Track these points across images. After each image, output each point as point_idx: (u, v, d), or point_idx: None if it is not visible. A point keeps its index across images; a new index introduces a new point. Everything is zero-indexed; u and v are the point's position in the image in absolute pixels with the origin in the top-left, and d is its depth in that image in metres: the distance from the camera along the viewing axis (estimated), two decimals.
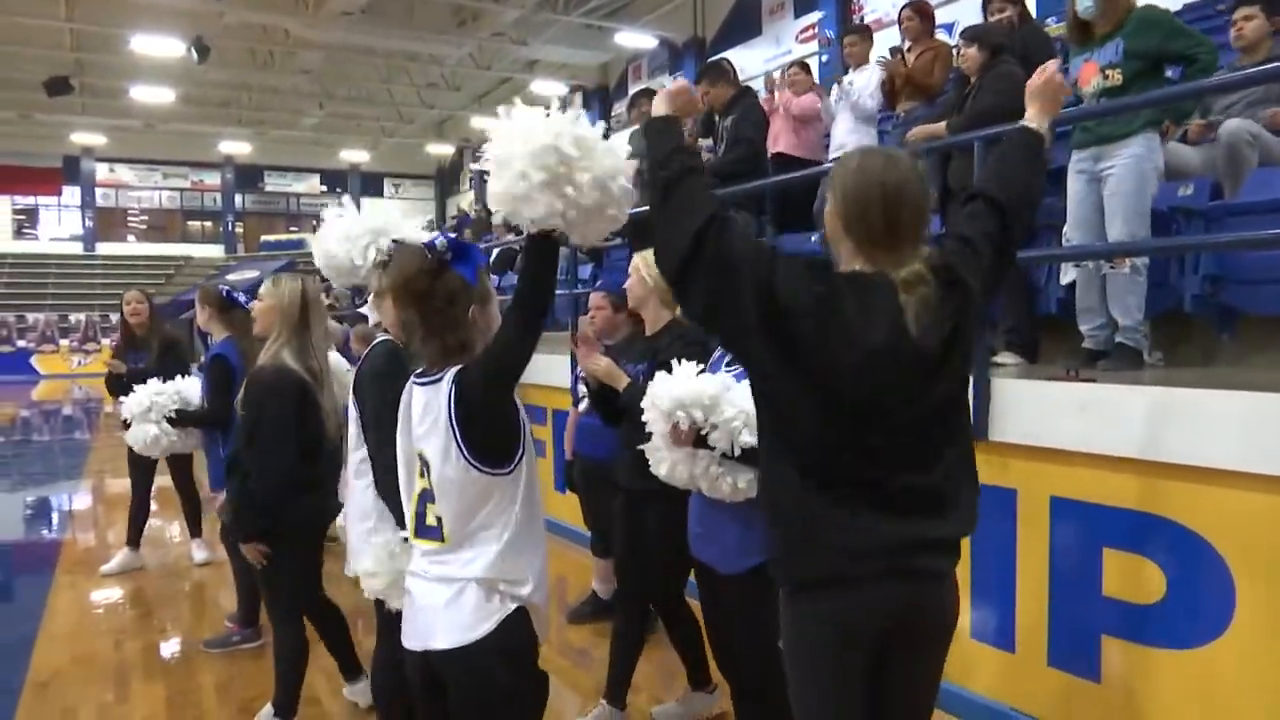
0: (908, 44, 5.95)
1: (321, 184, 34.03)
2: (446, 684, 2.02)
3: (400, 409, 2.07)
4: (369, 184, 32.12)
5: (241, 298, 4.15)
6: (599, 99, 23.15)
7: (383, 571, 2.49)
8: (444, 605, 1.96)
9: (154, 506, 6.68)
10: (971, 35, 4.57)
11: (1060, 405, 2.99)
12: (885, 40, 8.22)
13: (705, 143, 6.39)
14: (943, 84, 5.72)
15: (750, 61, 16.00)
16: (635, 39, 18.69)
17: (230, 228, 32.66)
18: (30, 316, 27.08)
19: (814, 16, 15.97)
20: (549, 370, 5.95)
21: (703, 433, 2.42)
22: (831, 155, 5.80)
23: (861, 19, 14.27)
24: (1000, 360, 3.90)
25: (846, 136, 5.74)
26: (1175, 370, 3.64)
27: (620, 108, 22.31)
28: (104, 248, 30.71)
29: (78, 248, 30.49)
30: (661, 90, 2.01)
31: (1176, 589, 2.68)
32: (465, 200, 28.40)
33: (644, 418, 2.58)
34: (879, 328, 1.67)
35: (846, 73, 5.95)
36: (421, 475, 2.02)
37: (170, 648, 4.38)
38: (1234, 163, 3.85)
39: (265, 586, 3.33)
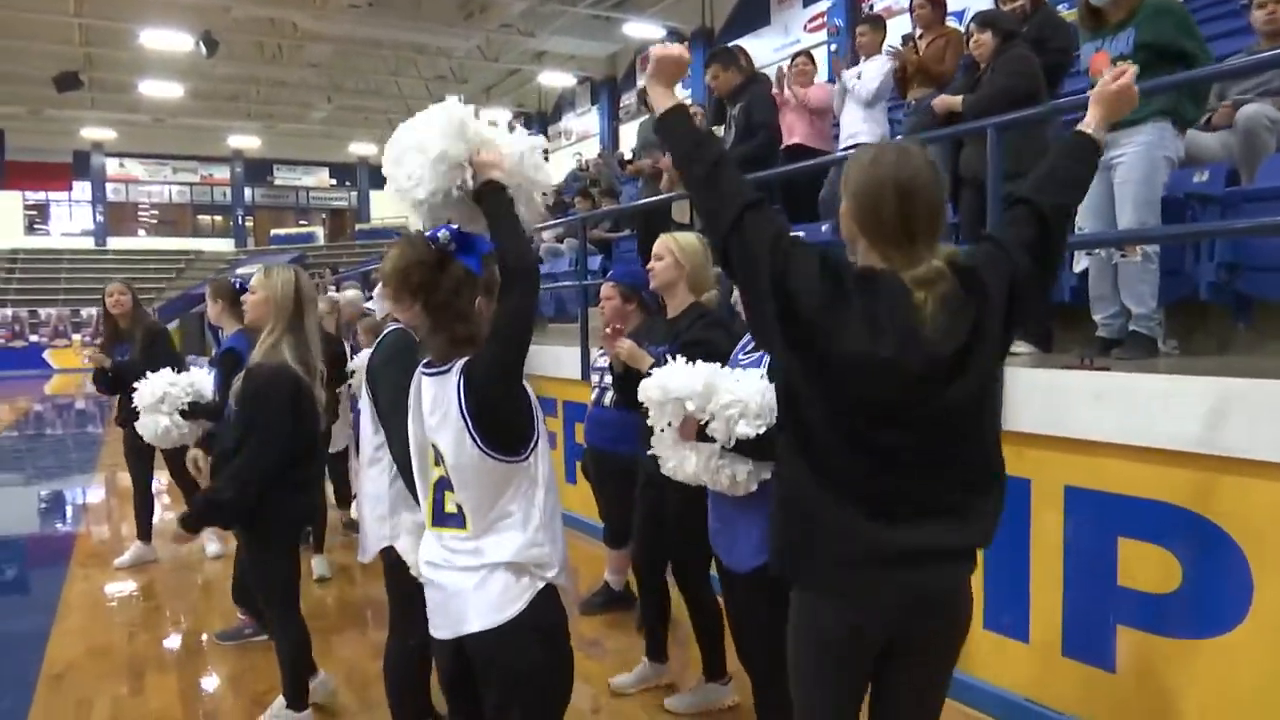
0: (919, 31, 5.90)
1: (330, 177, 34.19)
2: (476, 672, 2.01)
3: (410, 397, 2.06)
4: (378, 177, 32.09)
5: None
6: (607, 90, 23.12)
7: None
8: (473, 589, 1.95)
9: (166, 500, 6.73)
10: (984, 21, 4.54)
11: (1075, 394, 2.96)
12: (895, 28, 8.16)
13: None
14: (954, 71, 5.67)
15: (759, 51, 15.89)
16: (643, 29, 18.68)
17: (240, 221, 32.84)
18: (43, 311, 27.32)
19: (823, 5, 15.93)
20: (559, 362, 5.94)
21: (703, 423, 2.41)
22: (843, 144, 5.77)
23: (871, 7, 14.20)
24: (1014, 349, 3.87)
25: (857, 125, 5.70)
26: (1191, 359, 3.61)
27: (628, 99, 22.34)
28: (115, 242, 30.92)
29: (89, 242, 30.72)
30: (654, 50, 1.97)
31: (1193, 578, 2.65)
32: None
33: (643, 411, 2.56)
34: (887, 328, 1.64)
35: (856, 63, 5.90)
36: (436, 463, 2.01)
37: (183, 640, 4.40)
38: (1251, 148, 3.81)
39: (260, 583, 3.35)
